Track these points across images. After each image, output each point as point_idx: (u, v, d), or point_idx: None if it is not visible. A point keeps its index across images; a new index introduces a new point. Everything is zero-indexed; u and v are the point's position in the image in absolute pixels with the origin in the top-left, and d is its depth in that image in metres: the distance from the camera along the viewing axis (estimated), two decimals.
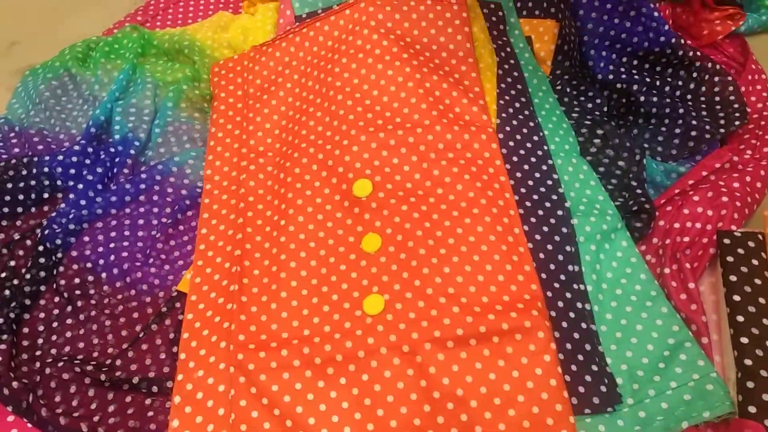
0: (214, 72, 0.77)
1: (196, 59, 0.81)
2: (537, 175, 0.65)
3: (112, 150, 0.72)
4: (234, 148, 0.70)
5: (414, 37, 0.72)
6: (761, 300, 0.54)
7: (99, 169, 0.70)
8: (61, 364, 0.56)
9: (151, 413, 0.52)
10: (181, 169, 0.70)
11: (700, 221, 0.61)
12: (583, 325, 0.56)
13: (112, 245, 0.64)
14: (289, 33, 0.75)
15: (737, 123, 0.70)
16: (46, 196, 0.69)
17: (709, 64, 0.74)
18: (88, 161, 0.71)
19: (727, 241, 0.57)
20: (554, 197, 0.63)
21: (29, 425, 0.52)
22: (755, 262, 0.56)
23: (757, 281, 0.55)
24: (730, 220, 0.61)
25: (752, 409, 0.49)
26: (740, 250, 0.56)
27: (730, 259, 0.56)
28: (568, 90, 0.77)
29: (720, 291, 0.57)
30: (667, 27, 0.73)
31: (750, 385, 0.50)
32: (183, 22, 0.92)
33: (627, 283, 0.59)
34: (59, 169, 0.69)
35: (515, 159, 0.66)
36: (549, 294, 0.57)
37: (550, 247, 0.60)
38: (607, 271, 0.60)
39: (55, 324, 0.60)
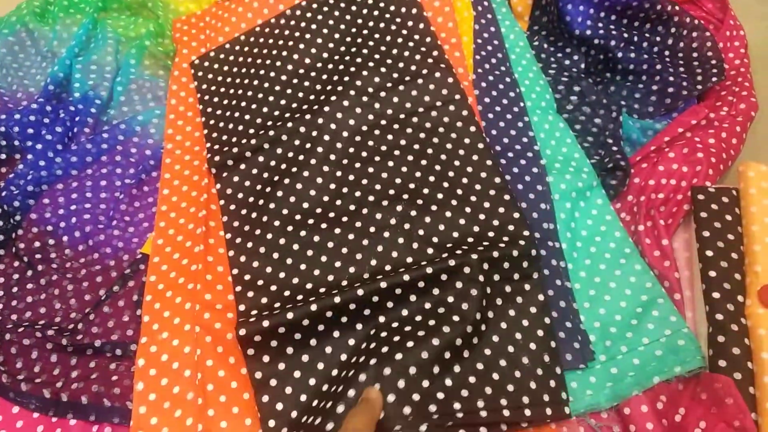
0: (176, 28, 0.74)
1: (160, 14, 0.78)
2: (512, 132, 0.64)
3: (72, 108, 0.69)
4: (197, 108, 0.67)
5: None
6: (733, 255, 0.53)
7: (58, 129, 0.67)
8: (21, 329, 0.54)
9: (115, 377, 0.51)
10: (145, 129, 0.68)
11: (675, 178, 0.61)
12: (558, 282, 0.55)
13: (73, 207, 0.62)
14: None
15: (714, 79, 0.69)
16: (2, 156, 0.66)
17: (687, 19, 0.73)
18: (46, 120, 0.67)
19: (701, 196, 0.57)
20: (529, 154, 0.62)
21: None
22: (728, 217, 0.55)
23: (730, 236, 0.54)
24: (705, 176, 0.61)
25: (722, 363, 0.49)
26: (714, 206, 0.56)
27: (703, 214, 0.56)
28: (545, 46, 0.75)
29: (693, 247, 0.57)
30: None
31: (721, 339, 0.50)
32: None
33: (601, 241, 0.58)
34: (16, 129, 0.66)
35: (491, 116, 0.64)
36: None
37: (524, 205, 0.59)
38: (581, 229, 0.59)
39: (15, 289, 0.58)
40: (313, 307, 0.49)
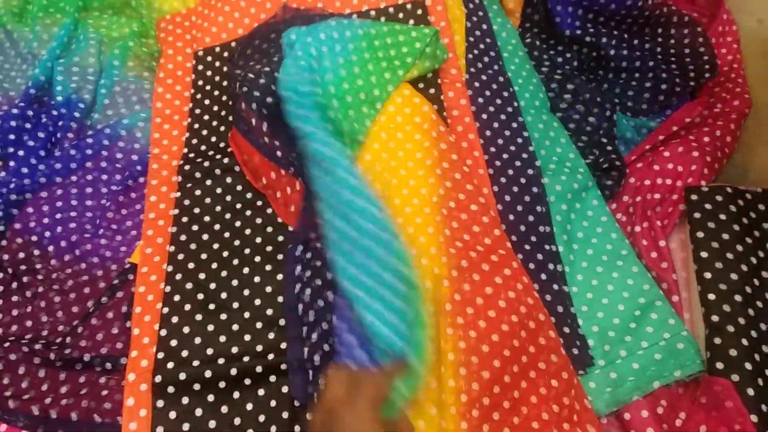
0: (161, 27, 0.72)
1: (144, 13, 0.75)
2: (507, 133, 0.63)
3: (55, 113, 0.67)
4: (183, 110, 0.65)
5: None
6: (728, 255, 0.53)
7: (41, 134, 0.65)
8: (7, 344, 0.53)
9: (105, 392, 0.50)
10: (131, 133, 0.66)
11: (670, 177, 0.60)
12: (555, 287, 0.55)
13: (58, 216, 0.60)
14: None
15: (707, 75, 0.68)
16: None
17: (678, 16, 0.72)
18: (28, 125, 0.65)
19: (694, 196, 0.56)
20: (524, 156, 0.61)
21: None
22: (722, 216, 0.55)
23: (725, 236, 0.54)
24: (700, 175, 0.60)
25: (720, 365, 0.48)
26: (707, 206, 0.55)
27: (696, 215, 0.55)
28: (537, 43, 0.74)
29: (690, 248, 0.56)
30: None
31: (717, 341, 0.49)
32: None
33: (598, 243, 0.58)
34: None
35: (485, 116, 0.63)
36: (520, 256, 0.55)
37: (520, 208, 0.58)
38: (578, 231, 0.59)
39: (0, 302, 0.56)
40: (233, 371, 0.48)
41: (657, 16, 0.71)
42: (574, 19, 0.71)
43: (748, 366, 0.48)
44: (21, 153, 0.63)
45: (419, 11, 0.66)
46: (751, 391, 0.47)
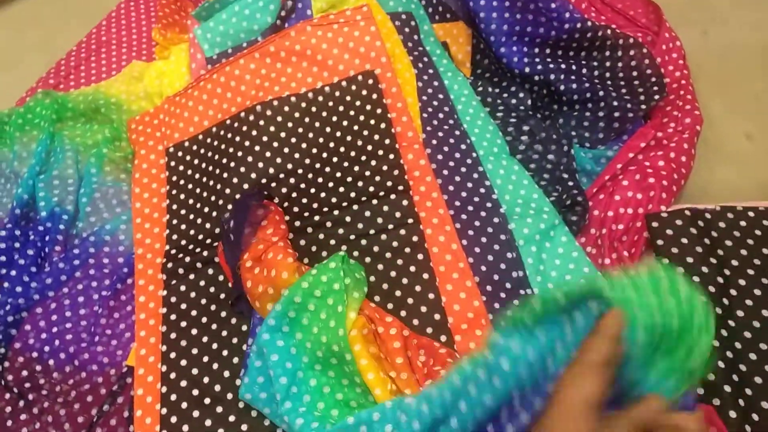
0: (131, 129, 0.75)
1: (114, 117, 0.79)
2: (469, 185, 0.65)
3: (41, 228, 0.70)
4: (161, 207, 0.68)
5: (328, 68, 0.71)
6: (695, 278, 0.55)
7: (30, 251, 0.68)
8: None
9: None
10: (115, 237, 0.69)
11: (631, 206, 0.62)
12: None
13: (55, 329, 0.63)
14: (200, 80, 0.74)
15: (657, 97, 0.70)
16: None
17: (621, 40, 0.74)
18: (17, 245, 0.68)
19: (655, 223, 0.58)
20: (489, 205, 0.64)
21: None
22: (684, 240, 0.57)
23: (689, 259, 0.56)
24: (659, 200, 0.62)
25: (700, 391, 0.50)
26: (669, 231, 0.57)
27: (659, 242, 0.57)
28: (489, 89, 0.77)
29: None
30: (568, 14, 0.72)
31: None
32: (97, 78, 0.89)
33: (572, 279, 0.60)
34: None
35: (446, 172, 0.66)
36: (496, 305, 0.57)
37: (491, 257, 0.60)
38: (551, 270, 0.61)
39: (9, 423, 0.58)
40: None
41: (601, 39, 0.74)
42: (522, 56, 0.74)
43: (728, 388, 0.49)
44: (13, 273, 0.66)
45: (370, 80, 0.69)
46: (733, 414, 0.48)
